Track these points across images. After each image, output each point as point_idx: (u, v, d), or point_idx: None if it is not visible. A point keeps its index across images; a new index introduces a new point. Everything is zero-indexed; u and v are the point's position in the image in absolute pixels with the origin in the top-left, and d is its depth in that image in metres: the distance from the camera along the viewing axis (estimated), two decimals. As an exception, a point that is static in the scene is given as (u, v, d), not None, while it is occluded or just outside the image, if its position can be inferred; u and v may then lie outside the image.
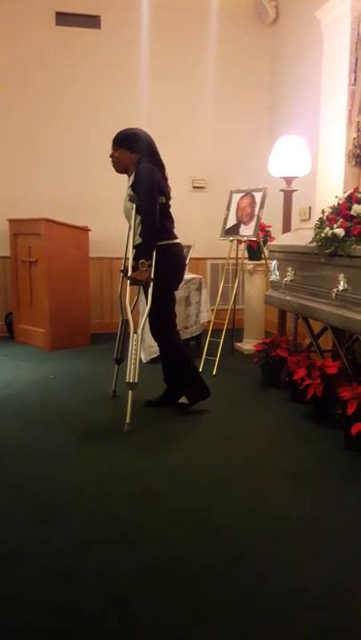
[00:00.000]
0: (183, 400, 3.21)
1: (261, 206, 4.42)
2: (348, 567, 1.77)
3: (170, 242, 3.03)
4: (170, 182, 3.08)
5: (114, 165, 3.07)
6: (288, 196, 4.14)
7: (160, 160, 3.03)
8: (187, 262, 3.26)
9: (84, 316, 5.06)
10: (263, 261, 4.68)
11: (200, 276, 4.58)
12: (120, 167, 3.06)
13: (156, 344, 3.25)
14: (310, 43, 4.73)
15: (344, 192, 3.10)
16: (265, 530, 1.99)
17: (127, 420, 2.90)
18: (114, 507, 2.14)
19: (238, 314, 5.10)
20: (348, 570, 1.76)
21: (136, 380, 2.90)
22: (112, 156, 3.04)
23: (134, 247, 2.97)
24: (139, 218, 2.94)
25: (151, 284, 2.93)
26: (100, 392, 3.59)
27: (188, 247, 4.48)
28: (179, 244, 3.10)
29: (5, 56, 5.26)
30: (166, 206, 3.03)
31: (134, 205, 2.95)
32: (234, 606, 1.58)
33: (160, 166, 3.02)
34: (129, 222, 3.05)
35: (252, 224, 4.43)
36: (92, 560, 1.79)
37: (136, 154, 2.98)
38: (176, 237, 3.08)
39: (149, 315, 3.01)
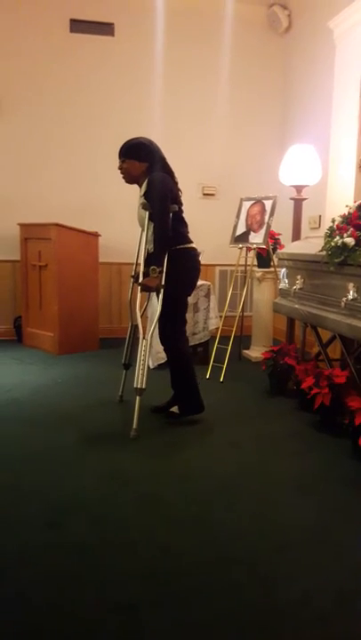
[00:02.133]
0: (175, 409, 3.20)
1: (271, 214, 4.43)
2: (354, 577, 1.76)
3: (185, 246, 3.04)
4: (179, 186, 3.09)
5: (124, 177, 3.08)
6: (298, 204, 4.15)
7: (168, 166, 3.05)
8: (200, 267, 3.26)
9: (93, 321, 5.07)
10: (272, 269, 4.68)
11: (209, 283, 4.59)
12: (130, 178, 3.07)
13: (163, 349, 3.25)
14: (323, 52, 4.75)
15: (355, 201, 3.10)
16: (270, 538, 1.98)
17: (134, 426, 2.90)
18: (118, 511, 2.15)
19: (246, 321, 5.09)
20: (354, 579, 1.74)
21: (144, 386, 2.90)
22: (120, 167, 3.06)
23: (148, 254, 2.99)
24: (152, 225, 2.95)
25: (162, 289, 2.94)
26: (107, 397, 3.60)
27: (199, 253, 4.49)
28: (194, 248, 3.10)
29: (19, 62, 5.31)
30: (179, 212, 3.05)
31: (147, 213, 2.96)
32: (237, 614, 1.57)
33: (169, 172, 3.04)
34: (142, 229, 3.06)
35: (262, 232, 4.44)
36: (96, 564, 1.80)
37: (144, 162, 3.00)
38: (191, 242, 3.09)
39: (159, 320, 3.02)
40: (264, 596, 1.65)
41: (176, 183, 3.06)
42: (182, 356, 3.12)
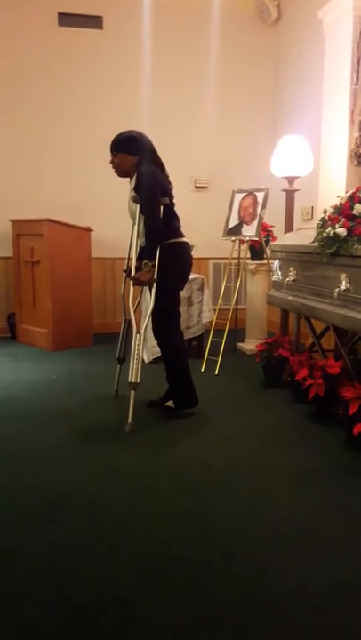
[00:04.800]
0: (170, 404, 3.20)
1: (263, 206, 4.42)
2: (349, 567, 1.77)
3: (177, 240, 3.04)
4: (171, 180, 3.08)
5: (115, 171, 3.07)
6: (290, 195, 4.14)
7: (159, 159, 3.04)
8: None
9: (87, 317, 5.06)
10: (265, 261, 4.68)
11: (202, 276, 4.58)
12: (121, 171, 3.06)
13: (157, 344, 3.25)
14: (312, 42, 4.73)
15: (346, 192, 3.09)
16: (266, 529, 1.99)
17: (129, 420, 2.90)
18: (115, 506, 2.15)
19: (240, 314, 5.10)
20: (350, 570, 1.75)
21: (138, 380, 2.90)
22: (112, 162, 3.04)
23: (140, 248, 2.98)
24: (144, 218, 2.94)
25: (155, 283, 2.94)
26: (102, 392, 3.60)
27: (191, 247, 4.48)
28: (185, 242, 3.10)
29: (8, 56, 5.26)
30: (171, 205, 3.04)
31: (138, 206, 2.95)
32: (234, 606, 1.58)
33: (160, 166, 3.02)
34: (133, 222, 3.05)
35: (255, 224, 4.43)
36: (93, 560, 1.80)
37: (135, 156, 2.98)
38: (183, 236, 3.09)
39: (152, 314, 3.02)
40: (261, 588, 1.66)
41: (167, 177, 3.05)
42: (175, 350, 3.12)
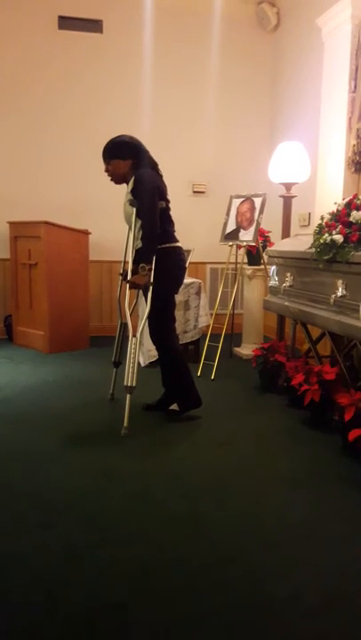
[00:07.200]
0: (174, 407, 3.21)
1: (261, 212, 4.44)
2: (344, 573, 1.77)
3: (170, 245, 3.04)
4: (165, 180, 3.07)
5: (111, 179, 3.07)
6: (288, 201, 4.16)
7: (151, 159, 3.03)
8: (186, 266, 3.27)
9: (84, 319, 5.07)
10: (262, 267, 4.69)
11: (199, 281, 4.59)
12: (118, 178, 3.05)
13: (154, 347, 3.26)
14: (311, 50, 4.76)
15: (343, 198, 3.11)
16: (261, 535, 1.99)
17: (125, 424, 2.90)
18: (110, 510, 2.14)
19: (237, 319, 5.11)
20: (344, 576, 1.75)
21: (134, 384, 2.90)
22: (107, 170, 3.04)
23: (136, 251, 2.98)
24: (140, 222, 2.94)
25: (150, 287, 2.94)
26: (98, 395, 3.59)
27: (188, 251, 4.49)
28: (179, 247, 3.10)
29: (8, 59, 5.28)
30: (166, 209, 3.04)
31: (134, 210, 2.95)
32: (229, 611, 1.58)
33: (154, 165, 3.02)
34: (129, 226, 3.06)
35: (252, 229, 4.44)
36: (89, 563, 1.79)
37: (128, 160, 2.99)
38: (177, 240, 3.09)
39: (148, 318, 3.02)
40: (255, 593, 1.66)
41: (161, 176, 3.05)
42: (173, 355, 3.12)
